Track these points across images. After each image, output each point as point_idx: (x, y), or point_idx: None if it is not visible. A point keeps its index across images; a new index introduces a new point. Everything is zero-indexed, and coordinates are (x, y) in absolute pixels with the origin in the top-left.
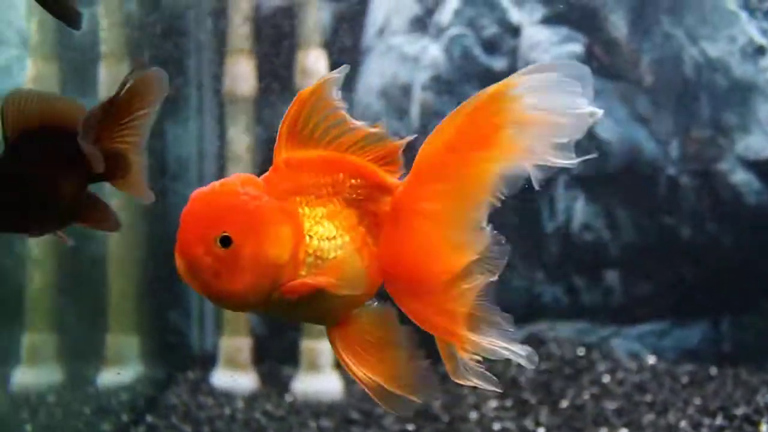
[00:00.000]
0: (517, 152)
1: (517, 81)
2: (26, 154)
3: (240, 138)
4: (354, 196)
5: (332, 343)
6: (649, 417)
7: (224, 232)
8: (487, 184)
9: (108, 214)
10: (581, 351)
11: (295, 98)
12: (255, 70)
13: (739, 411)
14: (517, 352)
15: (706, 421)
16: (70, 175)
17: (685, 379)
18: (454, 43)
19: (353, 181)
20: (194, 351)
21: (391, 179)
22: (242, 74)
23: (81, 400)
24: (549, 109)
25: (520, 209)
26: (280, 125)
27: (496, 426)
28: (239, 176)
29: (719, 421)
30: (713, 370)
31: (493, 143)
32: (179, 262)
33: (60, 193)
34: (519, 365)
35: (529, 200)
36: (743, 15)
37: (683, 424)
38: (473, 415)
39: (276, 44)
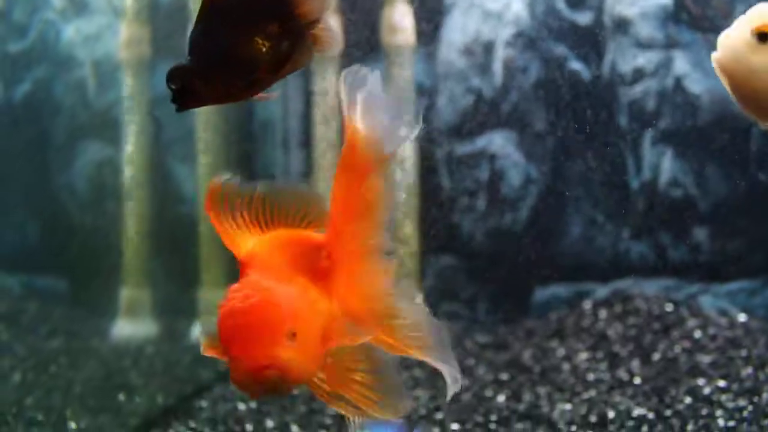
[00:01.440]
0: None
1: (359, 128)
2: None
3: (327, 98)
4: (305, 263)
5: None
6: (746, 370)
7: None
8: (384, 207)
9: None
10: (669, 307)
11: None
12: (341, 27)
13: None
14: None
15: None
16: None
17: None
18: None
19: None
20: None
21: (318, 236)
22: None
23: (179, 351)
24: (385, 137)
25: (607, 166)
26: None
27: (590, 376)
28: (253, 280)
29: None
30: None
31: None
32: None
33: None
34: (607, 319)
35: (615, 157)
36: None
37: (743, 370)
38: (565, 365)
39: (361, 1)
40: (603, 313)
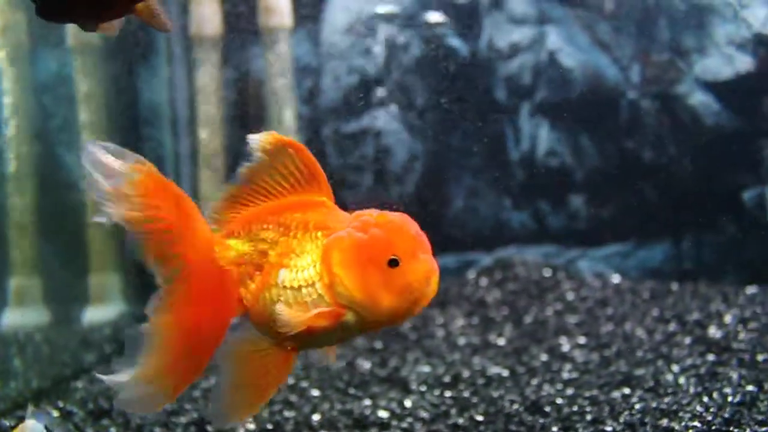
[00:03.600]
0: None
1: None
2: None
3: (209, 80)
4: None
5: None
6: (607, 327)
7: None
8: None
9: (160, 13)
10: (548, 272)
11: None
12: (219, 10)
13: (692, 317)
14: None
15: (660, 327)
16: None
17: (646, 295)
18: None
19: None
20: None
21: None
22: (207, 15)
23: (67, 337)
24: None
25: (487, 139)
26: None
27: (462, 341)
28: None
29: (672, 327)
30: (674, 286)
31: None
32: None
33: None
34: (487, 286)
35: (495, 129)
36: None
37: (639, 331)
38: (440, 332)
39: None
40: (484, 281)
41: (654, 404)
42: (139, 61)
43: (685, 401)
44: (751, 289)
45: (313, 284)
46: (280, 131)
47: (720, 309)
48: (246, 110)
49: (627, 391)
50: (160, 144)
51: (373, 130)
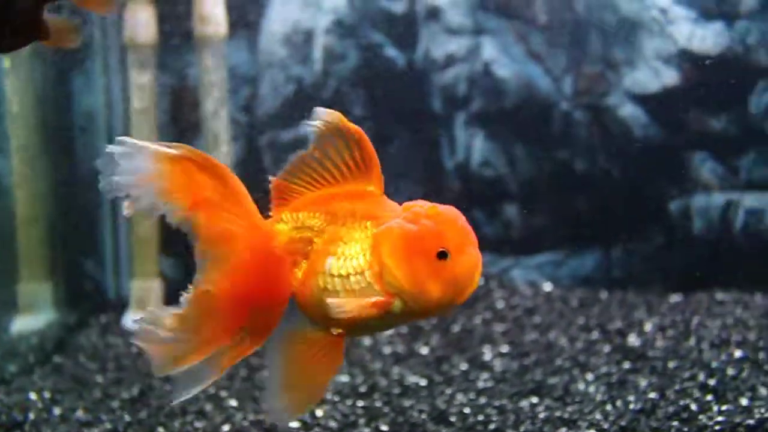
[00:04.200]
0: None
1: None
2: None
3: (144, 87)
4: None
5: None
6: (531, 336)
7: None
8: None
9: (70, 28)
10: (480, 281)
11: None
12: (155, 17)
13: (614, 326)
14: None
15: (583, 336)
16: None
17: (574, 303)
18: None
19: None
20: (109, 296)
21: None
22: (141, 22)
23: None
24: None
25: (423, 148)
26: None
27: (387, 350)
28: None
29: (594, 335)
30: (603, 294)
31: None
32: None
33: (16, 7)
34: None
35: (431, 139)
36: None
37: (562, 340)
38: (367, 341)
39: None
40: None
41: (558, 413)
42: (75, 67)
43: (587, 410)
44: (674, 297)
45: (362, 273)
46: (213, 140)
47: (642, 317)
48: (180, 118)
49: (535, 400)
50: (96, 151)
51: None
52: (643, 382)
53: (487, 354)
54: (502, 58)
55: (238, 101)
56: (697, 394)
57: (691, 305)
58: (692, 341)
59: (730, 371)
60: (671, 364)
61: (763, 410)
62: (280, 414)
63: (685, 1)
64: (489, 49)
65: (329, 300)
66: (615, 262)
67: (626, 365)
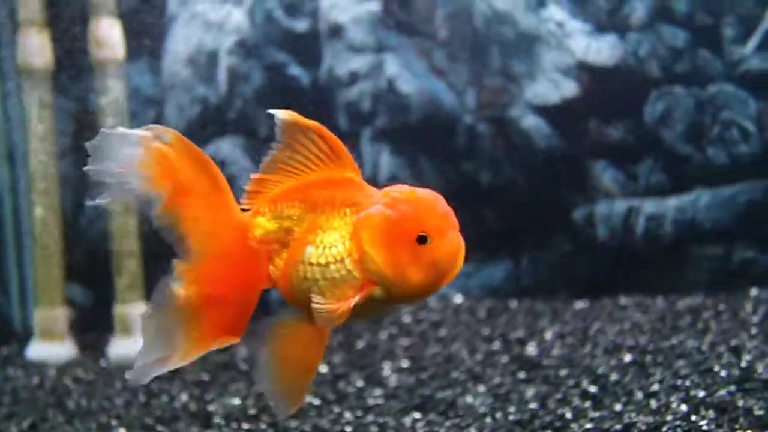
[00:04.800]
0: None
1: None
2: None
3: (42, 111)
4: None
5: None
6: (434, 349)
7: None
8: None
9: None
10: None
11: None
12: (49, 40)
13: (516, 335)
14: None
15: (484, 347)
16: None
17: (482, 314)
18: (256, 7)
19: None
20: (15, 326)
21: None
22: (36, 46)
23: None
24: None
25: None
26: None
27: None
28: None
29: (496, 346)
30: (513, 303)
31: None
32: (460, 242)
33: None
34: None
35: None
36: None
37: (463, 352)
38: None
39: (68, 13)
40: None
41: (437, 428)
42: None
43: (466, 423)
44: (579, 304)
45: (342, 260)
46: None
47: (544, 326)
48: (79, 143)
49: (418, 415)
50: None
51: (217, 160)
52: (529, 392)
53: (386, 370)
54: (405, 74)
55: (144, 124)
56: (576, 401)
57: (594, 311)
58: (588, 348)
59: (614, 377)
60: (562, 373)
61: (633, 415)
62: (282, 405)
63: (580, 14)
64: (392, 66)
65: (314, 305)
66: (523, 272)
67: (520, 375)
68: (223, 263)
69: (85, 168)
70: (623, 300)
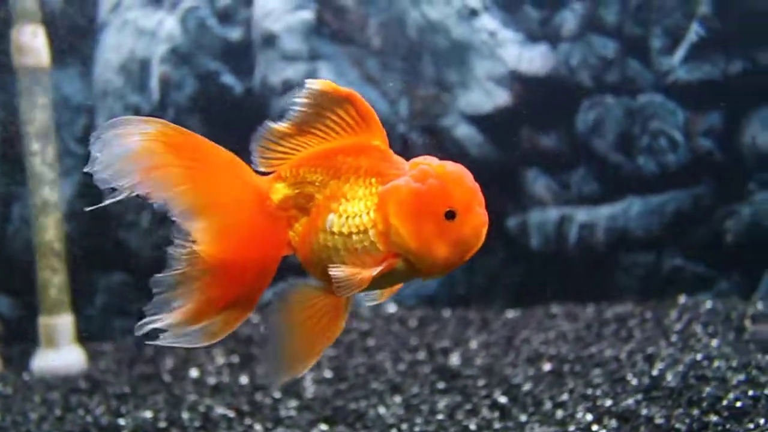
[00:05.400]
0: None
1: None
2: None
3: None
4: None
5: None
6: (358, 360)
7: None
8: None
9: None
10: None
11: None
12: None
13: (442, 345)
14: None
15: (408, 357)
16: None
17: (413, 323)
18: (189, 15)
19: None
20: None
21: None
22: None
23: None
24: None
25: (263, 175)
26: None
27: (211, 381)
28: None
29: (420, 356)
30: (446, 313)
31: None
32: (485, 218)
33: None
34: (257, 326)
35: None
36: None
37: (387, 363)
38: (194, 373)
39: None
40: (261, 318)
41: None
42: None
43: None
44: (511, 313)
45: (365, 231)
46: (41, 171)
47: (471, 335)
48: (5, 151)
49: (325, 427)
50: None
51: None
52: (442, 404)
53: (307, 381)
54: (339, 83)
55: (75, 132)
56: (485, 412)
57: (524, 320)
58: (510, 358)
59: (528, 387)
60: (479, 383)
61: (536, 425)
62: (280, 372)
63: (512, 24)
64: (325, 74)
65: (332, 271)
66: (458, 280)
67: (439, 386)
68: (240, 228)
69: (87, 169)
70: (554, 308)
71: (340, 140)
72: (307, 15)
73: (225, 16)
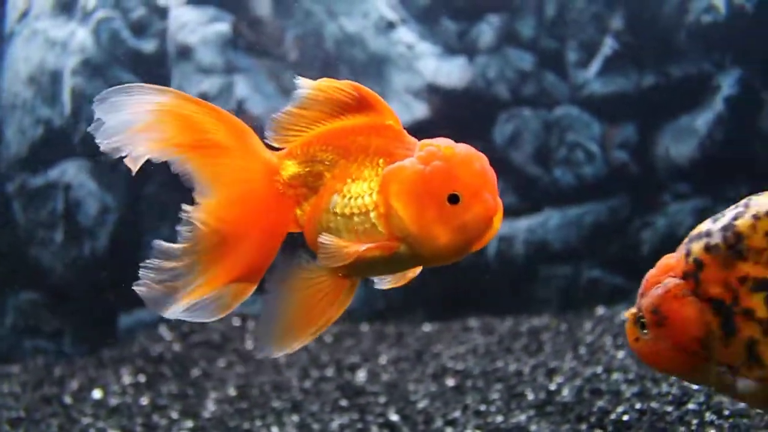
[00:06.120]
0: None
1: None
2: None
3: None
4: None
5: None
6: (265, 377)
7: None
8: None
9: None
10: (237, 322)
11: None
12: None
13: (352, 361)
14: None
15: (315, 373)
16: None
17: (328, 339)
18: (102, 27)
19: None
20: None
21: None
22: None
23: None
24: None
25: (181, 188)
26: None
27: (113, 401)
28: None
29: (328, 372)
30: (364, 327)
31: None
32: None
33: None
34: (171, 340)
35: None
36: None
37: (293, 380)
38: (97, 394)
39: None
40: (170, 335)
41: None
42: None
43: None
44: (427, 327)
45: (367, 213)
46: None
47: (383, 350)
48: None
49: None
50: None
51: (62, 184)
52: (335, 423)
53: (210, 400)
54: (255, 96)
55: None
56: (373, 431)
57: (440, 334)
58: (416, 373)
59: (424, 403)
60: (380, 400)
61: None
62: (270, 345)
63: (429, 37)
64: (242, 87)
65: (321, 239)
66: (377, 294)
67: (341, 403)
68: (248, 203)
69: (90, 128)
70: (472, 322)
71: (351, 119)
72: (223, 27)
73: (139, 28)
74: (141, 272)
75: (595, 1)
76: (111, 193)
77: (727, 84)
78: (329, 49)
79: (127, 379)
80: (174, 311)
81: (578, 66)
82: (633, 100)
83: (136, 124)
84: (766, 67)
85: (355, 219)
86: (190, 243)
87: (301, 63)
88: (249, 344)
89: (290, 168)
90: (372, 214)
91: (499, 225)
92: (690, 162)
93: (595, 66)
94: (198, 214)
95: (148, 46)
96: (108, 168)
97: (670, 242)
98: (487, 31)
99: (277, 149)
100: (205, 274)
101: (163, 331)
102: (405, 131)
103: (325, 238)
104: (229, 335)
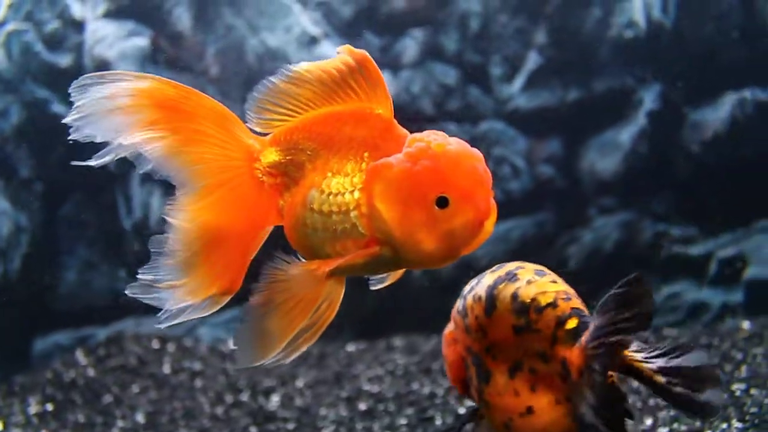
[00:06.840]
0: None
1: None
2: None
3: None
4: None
5: None
6: (178, 402)
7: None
8: None
9: None
10: (156, 344)
11: None
12: None
13: (268, 384)
14: None
15: (230, 398)
16: None
17: None
18: (13, 40)
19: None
20: None
21: None
22: None
23: None
24: None
25: (99, 209)
26: None
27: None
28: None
29: (243, 396)
30: None
31: None
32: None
33: None
34: (89, 364)
35: (107, 199)
36: (296, 7)
37: (206, 406)
38: (18, 418)
39: None
40: (85, 360)
41: None
42: None
43: None
44: (351, 347)
45: (347, 212)
46: None
47: (302, 372)
48: None
49: None
50: None
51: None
52: None
53: (115, 429)
54: None
55: None
56: None
57: (362, 354)
58: (331, 397)
59: (330, 430)
60: (290, 426)
61: None
62: (250, 353)
63: None
64: None
65: (290, 270)
66: None
67: (251, 430)
68: (229, 191)
69: (66, 120)
70: (397, 341)
71: (341, 105)
72: (142, 42)
73: (53, 42)
74: (138, 275)
75: (519, 15)
76: (25, 212)
77: (650, 98)
78: (251, 64)
79: (33, 409)
80: (167, 315)
81: (503, 80)
82: (558, 114)
83: (115, 110)
84: (686, 81)
85: (334, 217)
86: (176, 242)
87: (222, 78)
88: (166, 368)
89: (270, 155)
90: (353, 214)
91: (491, 228)
92: (615, 176)
93: (519, 80)
94: (179, 208)
95: (64, 60)
96: (21, 186)
97: (596, 256)
98: (410, 45)
99: (262, 134)
100: (193, 271)
101: (79, 355)
102: (395, 122)
103: (295, 269)
104: (145, 359)
